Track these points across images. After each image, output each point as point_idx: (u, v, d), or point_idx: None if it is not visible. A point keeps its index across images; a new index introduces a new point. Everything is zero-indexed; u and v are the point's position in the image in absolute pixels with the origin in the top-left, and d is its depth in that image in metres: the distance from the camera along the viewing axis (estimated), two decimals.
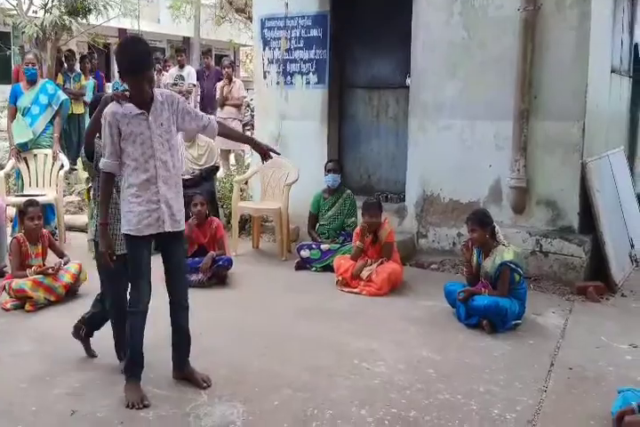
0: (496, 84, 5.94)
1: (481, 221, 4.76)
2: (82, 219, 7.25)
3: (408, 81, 6.59)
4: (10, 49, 14.79)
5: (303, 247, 6.10)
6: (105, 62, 22.32)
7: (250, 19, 10.70)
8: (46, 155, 6.95)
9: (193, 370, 3.70)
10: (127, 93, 3.46)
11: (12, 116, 7.01)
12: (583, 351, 4.24)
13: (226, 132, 3.87)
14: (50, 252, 5.29)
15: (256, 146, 3.87)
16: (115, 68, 17.82)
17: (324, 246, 6.06)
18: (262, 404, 3.45)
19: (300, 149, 7.13)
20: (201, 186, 6.62)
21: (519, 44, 5.73)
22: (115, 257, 3.52)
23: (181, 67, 10.62)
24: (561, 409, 3.48)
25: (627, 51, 7.42)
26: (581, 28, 5.59)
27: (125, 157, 3.40)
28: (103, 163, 3.43)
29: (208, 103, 10.91)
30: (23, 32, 9.72)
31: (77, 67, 10.32)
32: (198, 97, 11.38)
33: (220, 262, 5.56)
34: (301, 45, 7.21)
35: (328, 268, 5.88)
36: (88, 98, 10.06)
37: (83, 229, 6.96)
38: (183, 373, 3.70)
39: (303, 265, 6.07)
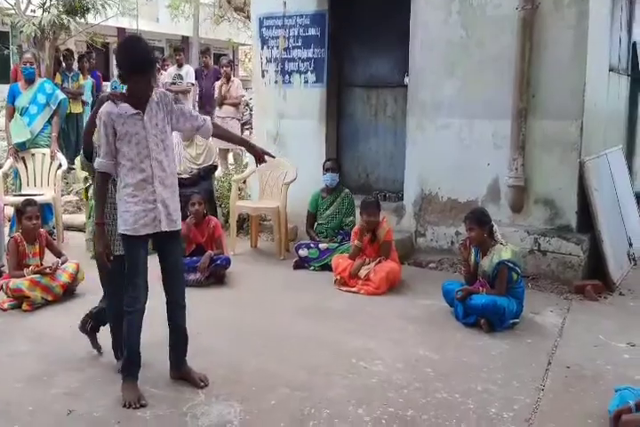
0: (494, 83, 5.93)
1: (479, 219, 4.76)
2: (80, 218, 7.25)
3: (406, 80, 6.58)
4: (8, 48, 14.78)
5: (301, 246, 6.10)
6: (104, 62, 22.30)
7: (249, 18, 10.69)
8: (44, 154, 6.94)
9: (190, 369, 3.69)
10: (124, 93, 3.46)
11: (10, 116, 7.00)
12: (581, 350, 4.24)
13: (221, 133, 3.87)
14: (47, 251, 5.28)
15: (251, 148, 3.86)
16: (113, 67, 17.83)
17: (323, 245, 6.05)
18: (259, 403, 3.45)
19: (298, 148, 7.12)
20: (199, 185, 6.61)
21: (517, 42, 5.73)
22: (112, 257, 3.51)
23: (180, 66, 10.59)
24: (558, 408, 3.47)
25: (625, 49, 7.43)
26: (579, 27, 5.59)
27: (121, 157, 3.40)
28: (98, 163, 3.42)
29: (206, 102, 10.90)
30: (21, 31, 9.71)
31: (75, 66, 10.30)
32: (197, 96, 11.37)
33: (218, 262, 5.55)
34: (300, 44, 7.20)
35: (326, 267, 5.87)
36: (86, 97, 10.08)
37: (81, 229, 6.96)
38: (180, 372, 3.69)
39: (301, 264, 6.07)
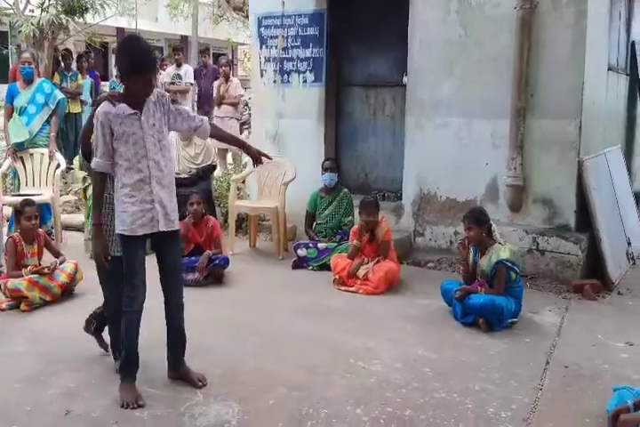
0: (493, 83, 5.93)
1: (478, 219, 4.76)
2: (78, 218, 7.25)
3: (405, 79, 6.58)
4: (7, 48, 14.76)
5: (300, 246, 6.09)
6: (103, 61, 22.29)
7: (248, 17, 10.68)
8: (43, 154, 6.93)
9: (188, 369, 3.69)
10: (122, 93, 3.46)
11: (9, 116, 6.99)
12: (579, 349, 4.24)
13: (218, 134, 3.86)
14: (46, 251, 5.27)
15: (248, 150, 3.85)
16: (112, 67, 17.81)
17: (321, 245, 6.05)
18: (257, 403, 3.45)
19: (297, 147, 7.13)
20: (198, 185, 6.61)
21: (516, 42, 5.73)
22: (110, 257, 3.51)
23: (179, 65, 10.59)
24: (556, 407, 3.47)
25: (623, 48, 7.42)
26: (578, 26, 5.59)
27: (118, 157, 3.39)
28: (95, 163, 3.42)
29: (205, 102, 10.90)
30: (20, 31, 9.70)
31: (74, 66, 10.29)
32: (195, 96, 11.37)
33: (217, 261, 5.55)
34: (298, 44, 7.20)
35: (325, 267, 5.87)
36: (85, 97, 10.07)
37: (79, 229, 6.95)
38: (178, 372, 3.69)
39: (300, 264, 6.07)
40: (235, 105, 9.89)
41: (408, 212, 6.51)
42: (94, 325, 4.01)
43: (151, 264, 3.57)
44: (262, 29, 7.42)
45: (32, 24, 9.49)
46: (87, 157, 3.71)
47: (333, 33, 7.01)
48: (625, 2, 7.31)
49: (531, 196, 5.86)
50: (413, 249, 6.44)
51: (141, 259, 3.47)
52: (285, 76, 7.27)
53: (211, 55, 16.15)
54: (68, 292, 5.07)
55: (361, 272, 5.46)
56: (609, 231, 5.70)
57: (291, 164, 6.69)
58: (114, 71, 12.71)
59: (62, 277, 4.99)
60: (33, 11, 10.53)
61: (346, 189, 6.41)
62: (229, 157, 10.05)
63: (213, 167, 7.08)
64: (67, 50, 10.78)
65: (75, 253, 5.78)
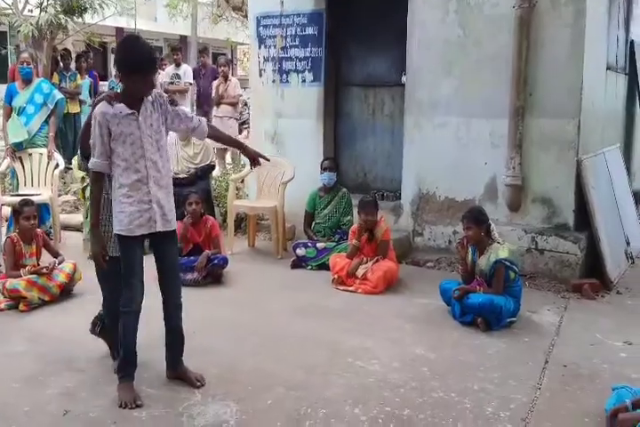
0: (491, 82, 5.93)
1: (476, 218, 4.76)
2: (77, 218, 7.24)
3: (404, 79, 6.58)
4: (6, 48, 14.74)
5: (299, 246, 6.09)
6: (102, 61, 22.28)
7: (247, 17, 10.67)
8: (41, 154, 6.93)
9: (186, 369, 3.69)
10: (119, 93, 3.46)
11: (8, 116, 6.99)
12: (578, 349, 4.23)
13: (216, 135, 3.85)
14: (44, 251, 5.27)
15: (245, 151, 3.86)
16: (111, 66, 17.77)
17: (320, 245, 6.05)
18: (256, 403, 3.44)
19: (295, 147, 7.13)
20: (196, 185, 6.61)
21: (514, 41, 5.72)
22: (108, 257, 3.51)
23: (178, 65, 10.60)
24: (555, 407, 3.47)
25: (622, 48, 7.41)
26: (576, 26, 5.58)
27: (115, 158, 3.39)
28: (93, 163, 3.42)
29: (204, 102, 10.90)
30: (18, 31, 9.70)
31: (73, 66, 10.29)
32: (194, 95, 11.36)
33: (216, 261, 5.55)
34: (297, 43, 7.20)
35: (324, 266, 5.87)
36: (84, 97, 10.07)
37: (78, 229, 6.95)
38: (177, 372, 3.69)
39: (299, 263, 6.06)
40: (234, 105, 9.90)
41: (407, 211, 6.51)
42: (99, 327, 3.99)
43: (150, 264, 3.57)
44: (261, 29, 7.42)
45: (31, 24, 9.49)
46: (86, 157, 3.70)
47: (332, 32, 7.01)
48: (623, 1, 7.30)
49: (529, 195, 5.86)
50: (412, 249, 6.44)
51: (139, 259, 3.47)
52: (284, 75, 7.27)
53: (210, 55, 16.15)
54: (66, 292, 5.07)
55: (360, 272, 5.46)
56: (608, 231, 5.70)
57: (289, 163, 6.69)
58: (113, 71, 12.72)
59: (61, 278, 4.99)
60: (32, 11, 10.53)
61: (345, 189, 6.40)
62: (228, 156, 10.05)
63: (212, 167, 7.07)
64: (65, 50, 10.78)
65: (73, 253, 5.77)
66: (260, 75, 7.44)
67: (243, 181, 7.57)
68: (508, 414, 3.38)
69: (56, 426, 3.23)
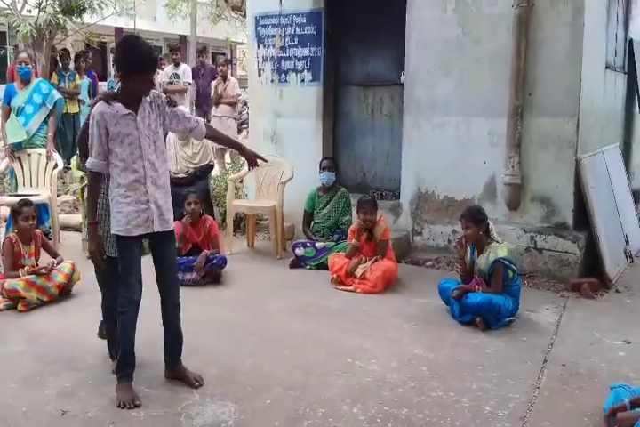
0: (490, 81, 5.93)
1: (475, 217, 4.75)
2: (76, 218, 7.24)
3: (402, 78, 6.57)
4: (5, 48, 14.73)
5: (298, 245, 6.09)
6: (101, 61, 22.27)
7: (246, 16, 10.66)
8: (40, 154, 6.92)
9: (185, 369, 3.69)
10: (116, 92, 3.45)
11: (6, 116, 6.98)
12: (576, 348, 4.23)
13: (214, 135, 3.86)
14: (43, 252, 5.27)
15: (243, 152, 3.86)
16: (111, 66, 17.75)
17: (319, 244, 6.05)
18: (254, 403, 3.44)
19: (294, 146, 7.13)
20: (195, 184, 6.60)
21: (513, 40, 5.72)
22: (106, 257, 3.51)
23: (176, 65, 10.59)
24: (554, 406, 3.47)
25: (621, 46, 7.40)
26: (575, 24, 5.58)
27: (113, 158, 3.39)
28: (90, 162, 3.42)
29: (203, 101, 10.90)
30: (17, 31, 9.69)
31: (72, 66, 10.28)
32: (194, 95, 11.36)
33: (214, 261, 5.54)
34: (296, 43, 7.20)
35: (322, 266, 5.87)
36: (83, 97, 10.06)
37: (77, 229, 6.95)
38: (175, 372, 3.69)
39: (298, 263, 6.06)
40: (232, 104, 9.90)
41: (406, 211, 6.51)
42: (106, 330, 3.98)
43: (148, 264, 3.57)
44: (260, 29, 7.42)
45: (29, 24, 9.47)
46: (85, 156, 3.69)
47: (331, 32, 7.01)
48: None
49: (528, 194, 5.86)
50: (411, 248, 6.43)
51: (137, 259, 3.47)
52: (283, 75, 7.27)
53: (210, 55, 16.15)
54: (65, 292, 5.06)
55: (359, 271, 5.45)
56: (607, 230, 5.70)
57: (288, 163, 6.69)
58: (112, 71, 12.70)
59: (59, 278, 4.98)
60: (30, 11, 10.51)
61: (343, 189, 6.40)
62: (227, 156, 10.05)
63: (211, 167, 7.07)
64: (64, 50, 10.77)
65: (72, 254, 5.76)
66: (259, 74, 7.43)
67: (242, 181, 7.57)
68: (507, 413, 3.37)
69: (54, 426, 3.22)
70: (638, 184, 8.09)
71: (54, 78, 9.75)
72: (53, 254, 5.24)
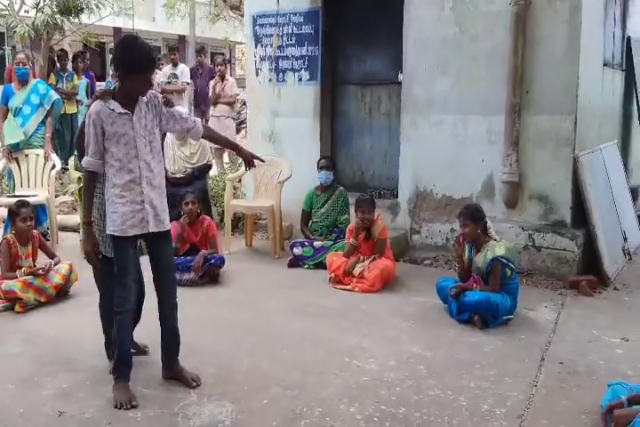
0: (488, 79, 5.92)
1: (473, 216, 4.74)
2: (75, 219, 7.23)
3: (400, 77, 6.56)
4: (3, 49, 14.74)
5: (296, 245, 6.09)
6: (100, 62, 22.25)
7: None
8: (38, 155, 6.92)
9: (182, 369, 3.68)
10: (113, 90, 3.45)
11: (4, 117, 6.98)
12: (574, 345, 4.23)
13: (211, 136, 3.85)
14: (40, 253, 5.26)
15: (240, 152, 3.85)
16: (109, 66, 17.73)
17: (317, 244, 6.04)
18: (251, 403, 3.44)
19: (292, 146, 7.12)
20: (193, 184, 6.60)
21: (510, 38, 5.71)
22: (102, 257, 3.51)
23: (175, 65, 10.58)
24: (551, 404, 3.46)
25: (619, 44, 7.40)
26: (573, 22, 5.57)
27: (109, 157, 3.39)
28: (86, 161, 3.42)
29: (201, 101, 10.90)
30: (15, 32, 9.67)
31: (70, 66, 10.28)
32: (192, 95, 11.35)
33: (212, 261, 5.54)
34: (293, 42, 7.19)
35: (321, 265, 5.86)
36: (81, 97, 10.05)
37: (75, 230, 6.94)
38: (172, 372, 3.68)
39: (296, 263, 6.06)
40: (231, 104, 9.89)
41: (404, 209, 6.50)
42: None
43: (147, 265, 3.58)
44: (257, 28, 7.42)
45: (27, 25, 9.46)
46: (83, 156, 3.70)
47: (328, 31, 7.00)
48: None
49: (526, 192, 5.85)
50: (410, 247, 6.43)
51: (132, 259, 3.47)
52: (281, 74, 7.26)
53: (209, 54, 16.13)
54: (62, 293, 5.06)
55: (357, 270, 5.45)
56: (605, 227, 5.69)
57: (286, 162, 6.68)
58: (111, 71, 12.68)
59: (57, 279, 4.98)
60: (28, 11, 10.50)
61: (341, 188, 6.40)
62: (226, 156, 10.04)
63: (209, 167, 7.06)
64: (62, 50, 10.76)
65: (70, 254, 5.76)
66: (257, 74, 7.43)
67: (240, 181, 7.57)
68: (504, 411, 3.37)
69: None
70: (636, 181, 8.09)
71: (52, 79, 9.75)
72: (51, 255, 5.24)
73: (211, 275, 5.56)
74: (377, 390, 3.60)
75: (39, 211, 6.54)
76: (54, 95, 7.17)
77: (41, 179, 6.89)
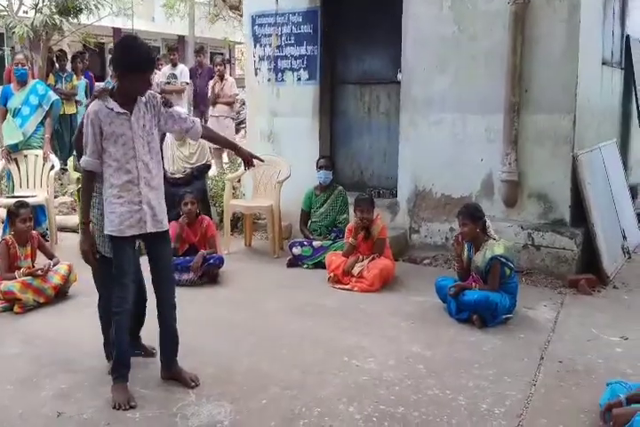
0: (487, 78, 5.92)
1: (472, 215, 4.74)
2: (74, 219, 7.18)
3: (399, 76, 6.56)
4: (2, 50, 14.74)
5: (295, 244, 6.08)
6: (100, 62, 22.24)
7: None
8: (37, 156, 6.92)
9: (181, 370, 3.68)
10: (111, 89, 3.45)
11: (3, 118, 6.98)
12: (574, 344, 4.22)
13: (210, 136, 3.85)
14: (40, 253, 5.26)
15: (239, 152, 3.85)
16: (109, 67, 17.72)
17: (316, 243, 6.04)
18: (250, 403, 3.43)
19: (291, 145, 7.12)
20: (192, 184, 6.60)
21: (509, 37, 5.71)
22: (100, 257, 3.51)
23: (174, 65, 10.57)
24: (550, 403, 3.46)
25: (618, 42, 7.39)
26: (571, 21, 5.57)
27: (107, 158, 3.39)
28: (84, 161, 3.42)
29: (201, 101, 10.88)
30: (13, 32, 9.68)
31: (69, 67, 10.28)
32: (191, 95, 11.34)
33: (211, 261, 5.53)
34: (292, 42, 7.19)
35: (320, 265, 5.86)
36: (80, 98, 10.05)
37: (75, 230, 6.90)
38: (171, 372, 3.68)
39: (295, 262, 6.06)
40: (230, 104, 9.88)
41: (403, 209, 6.50)
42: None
43: (146, 265, 3.58)
44: (256, 28, 7.41)
45: (26, 25, 9.46)
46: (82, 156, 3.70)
47: (327, 30, 7.00)
48: None
49: (526, 191, 5.84)
50: (409, 246, 6.42)
51: (130, 259, 3.47)
52: (280, 74, 7.26)
53: (208, 55, 16.12)
54: (61, 294, 5.05)
55: (356, 270, 5.45)
56: (604, 226, 5.69)
57: (285, 162, 6.68)
58: (110, 71, 12.66)
59: (56, 279, 4.97)
60: (27, 12, 10.50)
61: (340, 187, 6.40)
62: (225, 156, 10.03)
63: (208, 167, 7.06)
64: (61, 51, 10.76)
65: (69, 255, 5.71)
66: (256, 74, 7.43)
67: (239, 181, 7.56)
68: (503, 410, 3.37)
69: None
70: (636, 179, 8.09)
71: (51, 79, 9.75)
72: (50, 256, 5.23)
73: (210, 275, 5.55)
74: (376, 389, 3.59)
75: (38, 211, 6.54)
76: (53, 96, 7.17)
77: (40, 179, 6.89)
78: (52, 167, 6.88)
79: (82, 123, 3.60)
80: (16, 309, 4.77)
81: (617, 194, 6.33)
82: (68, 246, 6.46)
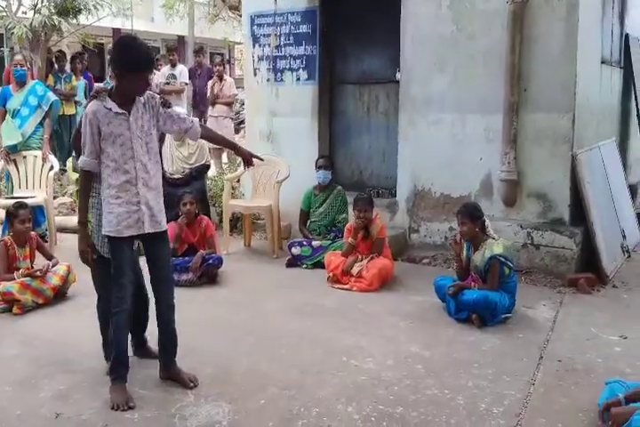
0: (485, 78, 5.91)
1: (471, 214, 4.74)
2: (73, 220, 7.14)
3: (398, 75, 6.55)
4: (1, 51, 14.72)
5: (294, 244, 6.08)
6: (99, 63, 22.24)
7: None
8: (36, 156, 6.92)
9: (180, 370, 3.67)
10: (111, 90, 3.45)
11: (2, 118, 6.98)
12: (573, 343, 4.22)
13: (209, 136, 3.85)
14: (38, 254, 5.26)
15: (238, 152, 3.85)
16: (109, 68, 17.70)
17: (315, 243, 6.04)
18: (249, 403, 3.43)
19: (290, 145, 7.12)
20: (191, 185, 6.59)
21: (508, 36, 5.70)
22: (97, 256, 3.51)
23: (173, 66, 10.57)
24: (549, 402, 3.46)
25: (617, 41, 7.38)
26: (570, 19, 5.56)
27: (105, 158, 3.39)
28: (82, 161, 3.43)
29: (200, 101, 10.89)
30: (12, 33, 9.68)
31: (68, 67, 10.28)
32: (191, 96, 11.34)
33: (210, 261, 5.53)
34: (291, 42, 7.18)
35: (319, 265, 5.86)
36: (79, 98, 10.04)
37: (74, 231, 6.89)
38: (170, 373, 3.67)
39: (294, 262, 6.05)
40: (229, 104, 9.88)
41: (402, 208, 6.49)
42: (133, 342, 3.94)
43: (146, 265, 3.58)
44: (255, 28, 7.41)
45: (25, 26, 9.47)
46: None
47: (326, 30, 6.99)
48: None
49: (525, 190, 5.84)
50: (408, 246, 6.42)
51: (128, 260, 3.47)
52: (279, 74, 7.25)
53: (208, 55, 16.12)
54: (60, 294, 5.05)
55: (355, 270, 5.45)
56: (603, 225, 5.68)
57: (284, 162, 6.68)
58: (110, 72, 12.66)
59: (55, 280, 4.97)
60: (26, 12, 10.51)
61: (340, 187, 6.39)
62: (224, 156, 10.03)
63: (207, 167, 7.06)
64: (60, 51, 10.76)
65: (68, 256, 5.69)
66: (255, 74, 7.42)
67: (238, 181, 7.56)
68: (502, 410, 3.36)
69: None
70: (635, 178, 8.08)
71: (50, 80, 9.75)
72: (49, 257, 5.24)
73: (209, 275, 5.55)
74: (374, 389, 3.59)
75: (37, 212, 6.54)
76: (52, 96, 7.17)
77: (39, 180, 6.89)
78: (52, 168, 6.88)
79: (80, 123, 3.60)
80: (15, 310, 4.76)
81: (616, 193, 6.33)
82: (68, 247, 6.43)
